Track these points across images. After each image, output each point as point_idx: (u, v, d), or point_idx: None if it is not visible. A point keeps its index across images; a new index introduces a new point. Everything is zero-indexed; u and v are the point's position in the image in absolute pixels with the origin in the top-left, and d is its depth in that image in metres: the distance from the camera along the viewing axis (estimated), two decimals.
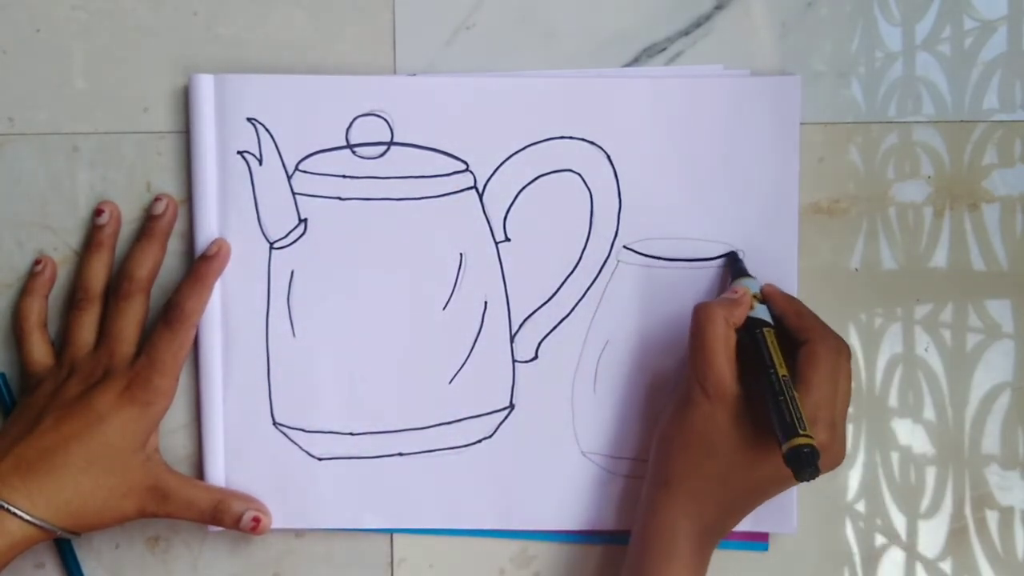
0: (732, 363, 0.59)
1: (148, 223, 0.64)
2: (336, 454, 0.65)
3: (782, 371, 0.57)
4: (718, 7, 0.65)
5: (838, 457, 0.58)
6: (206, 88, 0.63)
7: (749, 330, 0.59)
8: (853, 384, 0.65)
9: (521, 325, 0.65)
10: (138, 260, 0.63)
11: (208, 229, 0.64)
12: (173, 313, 0.62)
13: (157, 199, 0.64)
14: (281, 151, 0.64)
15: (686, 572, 0.58)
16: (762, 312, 0.61)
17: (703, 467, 0.58)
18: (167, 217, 0.64)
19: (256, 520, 0.63)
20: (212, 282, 0.63)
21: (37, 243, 0.65)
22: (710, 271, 0.64)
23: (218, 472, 0.65)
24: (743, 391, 0.58)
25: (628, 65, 0.65)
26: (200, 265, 0.63)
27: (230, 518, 0.63)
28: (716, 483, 0.58)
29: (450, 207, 0.64)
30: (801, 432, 0.53)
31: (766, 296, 0.62)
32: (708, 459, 0.58)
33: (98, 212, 0.64)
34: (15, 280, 0.65)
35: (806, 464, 0.52)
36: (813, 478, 0.53)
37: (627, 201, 0.64)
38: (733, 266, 0.63)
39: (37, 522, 0.58)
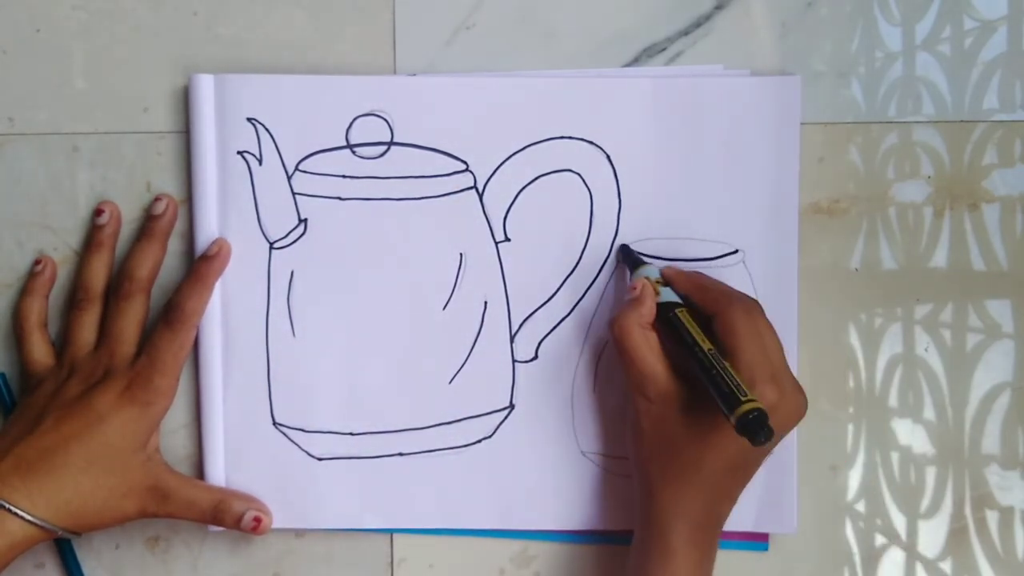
0: (661, 361, 0.59)
1: (148, 223, 0.64)
2: (336, 454, 0.65)
3: (707, 346, 0.57)
4: (718, 7, 0.65)
5: (797, 408, 0.58)
6: (206, 88, 0.63)
7: (663, 317, 0.60)
8: (852, 384, 0.65)
9: (521, 325, 0.65)
10: (138, 260, 0.63)
11: (208, 229, 0.64)
12: (173, 313, 0.62)
13: (157, 199, 0.64)
14: (281, 151, 0.64)
15: (685, 569, 0.58)
16: (669, 295, 0.61)
17: (673, 467, 0.58)
18: (167, 217, 0.64)
19: (257, 520, 0.63)
20: (212, 282, 0.63)
21: (37, 243, 0.65)
22: (710, 271, 0.64)
23: (218, 472, 0.65)
24: (681, 382, 0.59)
25: (628, 65, 0.65)
26: (200, 265, 0.63)
27: (231, 518, 0.63)
28: (691, 477, 0.58)
29: (450, 207, 0.64)
30: (743, 399, 0.53)
31: (668, 279, 0.62)
32: (674, 458, 0.58)
33: (98, 212, 0.64)
34: (15, 280, 0.65)
35: (756, 429, 0.52)
36: (769, 439, 0.52)
37: (627, 201, 0.64)
38: (628, 259, 0.63)
39: (37, 522, 0.58)
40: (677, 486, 0.58)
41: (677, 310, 0.59)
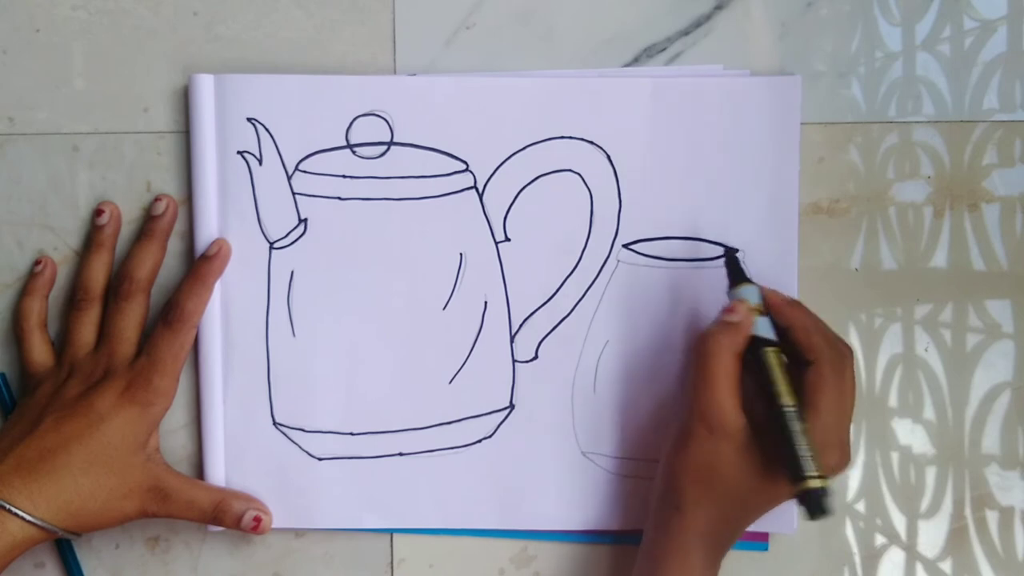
0: (735, 394, 0.57)
1: (148, 223, 0.64)
2: (336, 454, 0.65)
3: (789, 400, 0.56)
4: (718, 7, 0.65)
5: (844, 464, 0.58)
6: (206, 88, 0.63)
7: (753, 351, 0.58)
8: None
9: (521, 325, 0.65)
10: (138, 260, 0.63)
11: (208, 229, 0.64)
12: (173, 313, 0.62)
13: (157, 199, 0.64)
14: (281, 151, 0.64)
15: None
16: (764, 327, 0.58)
17: (713, 495, 0.58)
18: (167, 217, 0.64)
19: (257, 520, 0.63)
20: (212, 282, 0.63)
21: (37, 243, 0.65)
22: (710, 271, 0.64)
23: (218, 472, 0.65)
24: (747, 420, 0.57)
25: (628, 65, 0.65)
26: (200, 265, 0.63)
27: (231, 518, 0.63)
28: (728, 507, 0.58)
29: (450, 207, 0.64)
30: (813, 475, 0.53)
31: (768, 306, 0.59)
32: (717, 488, 0.58)
33: (98, 212, 0.64)
34: (15, 280, 0.65)
35: (817, 506, 0.52)
36: (826, 517, 0.52)
37: (627, 201, 0.64)
38: (732, 268, 0.61)
39: (38, 522, 0.58)
40: (712, 514, 0.58)
41: (769, 349, 0.58)
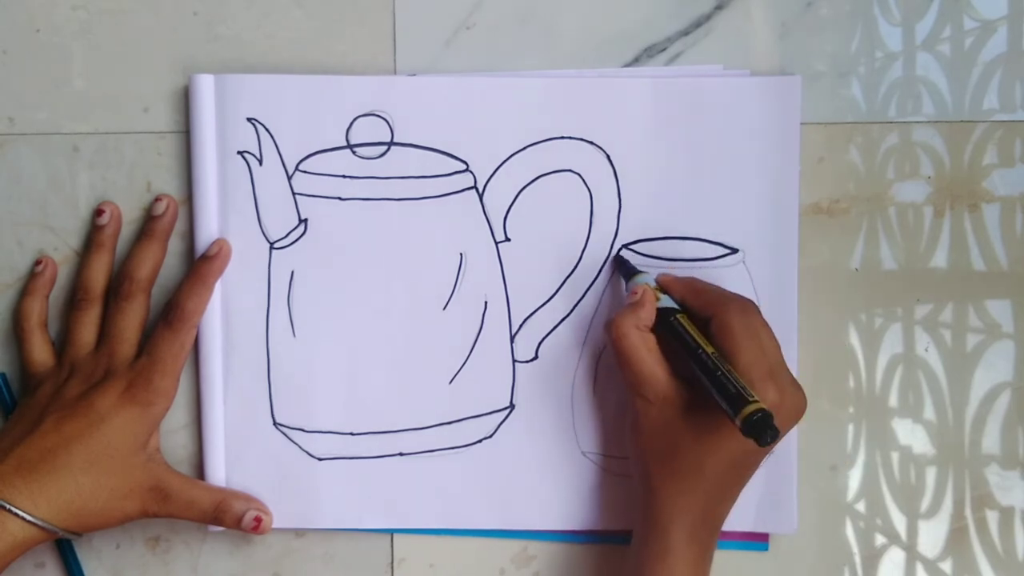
0: (661, 361, 0.59)
1: (148, 223, 0.64)
2: (336, 454, 0.65)
3: (709, 349, 0.57)
4: (718, 7, 0.65)
5: (797, 406, 0.58)
6: (206, 88, 0.63)
7: (663, 322, 0.60)
8: (853, 384, 0.65)
9: (521, 325, 0.65)
10: (138, 260, 0.63)
11: (208, 229, 0.64)
12: (174, 313, 0.62)
13: (157, 199, 0.64)
14: (281, 151, 0.64)
15: (683, 565, 0.58)
16: (667, 301, 0.61)
17: (674, 467, 0.58)
18: (167, 217, 0.64)
19: (257, 520, 0.63)
20: (213, 282, 0.63)
21: (37, 243, 0.65)
22: (709, 271, 0.64)
23: (219, 472, 0.65)
24: (680, 383, 0.59)
25: (628, 65, 0.65)
26: (201, 265, 0.63)
27: (231, 518, 0.63)
28: (692, 476, 0.58)
29: (450, 207, 0.64)
30: (749, 400, 0.53)
31: (663, 286, 0.62)
32: (675, 458, 0.58)
33: (98, 212, 0.64)
34: (15, 280, 0.65)
35: (762, 430, 0.52)
36: (775, 439, 0.52)
37: (627, 201, 0.64)
38: (622, 268, 0.64)
39: (39, 523, 0.58)
40: (677, 485, 0.58)
41: (677, 315, 0.60)
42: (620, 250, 0.64)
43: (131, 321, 0.63)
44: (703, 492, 0.58)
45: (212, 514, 0.62)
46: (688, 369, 0.58)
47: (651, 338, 0.60)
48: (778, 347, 0.59)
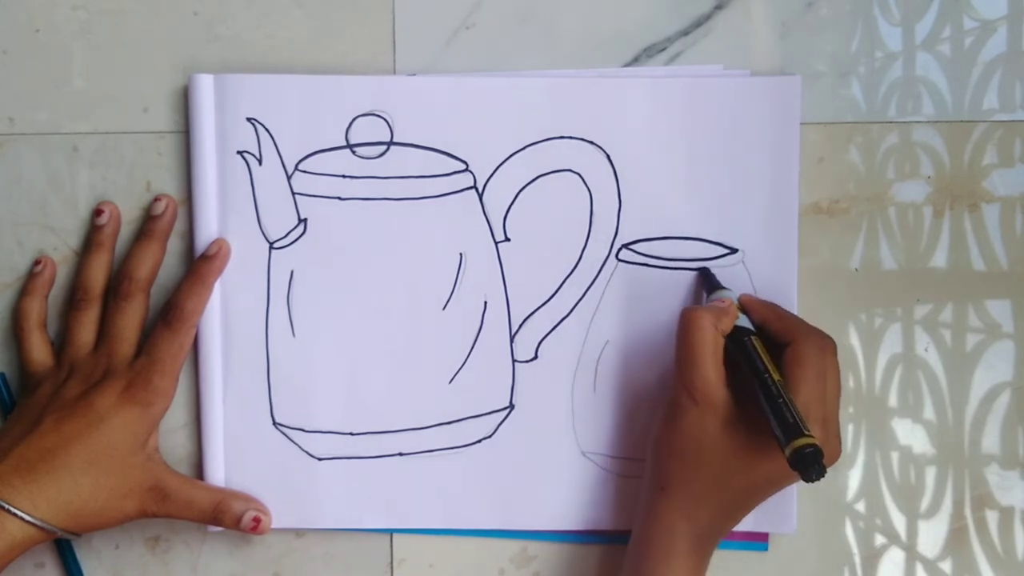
0: (720, 369, 0.59)
1: (148, 223, 0.64)
2: (336, 454, 0.65)
3: (776, 376, 0.57)
4: (718, 7, 0.65)
5: (834, 454, 0.58)
6: (206, 88, 0.63)
7: (735, 339, 0.60)
8: (852, 384, 0.65)
9: (521, 325, 0.65)
10: (138, 260, 0.63)
11: (208, 229, 0.64)
12: (173, 313, 0.62)
13: (157, 199, 0.64)
14: (281, 151, 0.64)
15: (684, 572, 0.58)
16: (744, 322, 0.61)
17: (698, 471, 0.58)
18: (167, 217, 0.64)
19: (256, 520, 0.63)
20: (212, 282, 0.63)
21: (37, 243, 0.65)
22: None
23: (218, 472, 0.65)
24: (731, 396, 0.58)
25: (628, 65, 0.65)
26: (200, 265, 0.63)
27: (230, 518, 0.63)
28: (712, 486, 0.58)
29: (450, 207, 0.64)
30: (804, 433, 0.53)
31: (744, 306, 0.62)
32: (702, 464, 0.58)
33: (98, 212, 0.64)
34: (15, 280, 0.65)
35: (811, 464, 0.52)
36: (820, 478, 0.52)
37: (627, 201, 0.64)
38: (708, 282, 0.63)
39: (38, 523, 0.58)
40: (695, 492, 0.58)
41: (751, 336, 0.59)
42: (705, 264, 0.64)
43: (130, 321, 0.63)
44: (719, 505, 0.58)
45: (211, 514, 0.62)
46: (744, 389, 0.58)
47: (721, 342, 0.59)
48: (839, 394, 0.59)
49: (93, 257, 0.64)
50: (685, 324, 0.59)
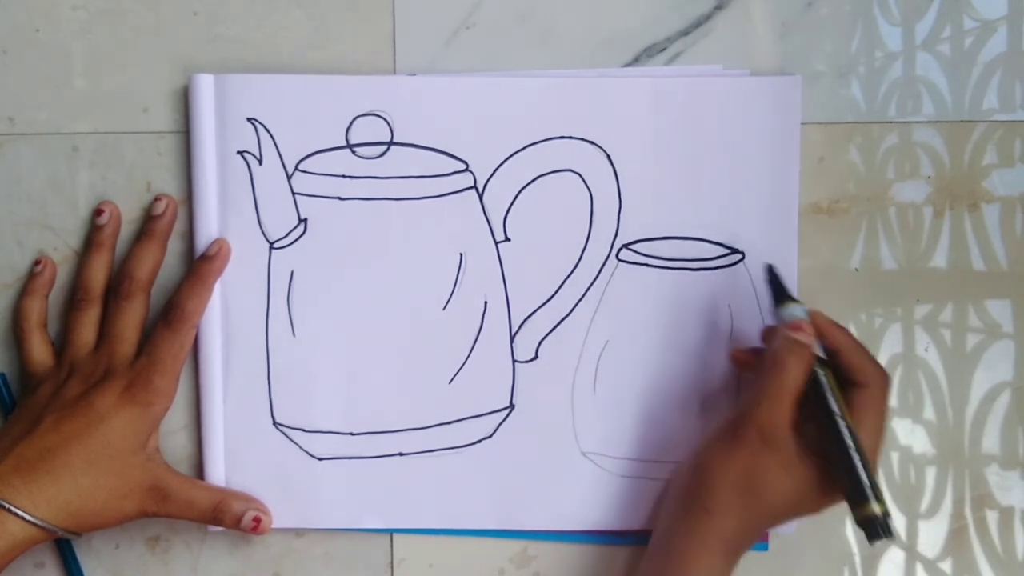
0: (793, 411, 0.58)
1: (148, 223, 0.64)
2: (336, 454, 0.65)
3: (848, 419, 0.56)
4: (718, 7, 0.65)
5: None
6: (206, 88, 0.63)
7: (808, 381, 0.58)
8: None
9: (521, 325, 0.65)
10: (138, 260, 0.63)
11: (208, 229, 0.64)
12: (174, 313, 0.62)
13: (157, 199, 0.64)
14: (281, 151, 0.64)
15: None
16: (815, 346, 0.59)
17: (748, 504, 0.58)
18: (167, 217, 0.64)
19: (257, 520, 0.63)
20: (212, 282, 0.63)
21: (37, 243, 0.65)
22: (709, 272, 0.64)
23: (218, 472, 0.65)
24: (797, 436, 0.57)
25: (628, 65, 0.65)
26: (200, 265, 0.63)
27: (230, 518, 0.63)
28: (757, 519, 0.58)
29: (450, 207, 0.64)
30: (879, 499, 0.53)
31: (818, 329, 0.59)
32: (754, 497, 0.57)
33: (98, 212, 0.64)
34: (15, 280, 0.65)
35: (879, 532, 0.52)
36: (888, 541, 0.52)
37: (627, 201, 0.64)
38: (775, 285, 0.61)
39: (38, 522, 0.58)
40: (743, 521, 0.58)
41: (824, 370, 0.58)
42: (771, 266, 0.62)
43: (131, 321, 0.63)
44: (758, 532, 0.59)
45: (211, 514, 0.62)
46: (810, 426, 0.57)
47: (803, 385, 0.58)
48: (883, 437, 0.58)
49: (93, 257, 0.64)
50: (778, 362, 0.58)
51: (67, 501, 0.59)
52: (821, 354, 0.59)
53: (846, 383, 0.59)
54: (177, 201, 0.65)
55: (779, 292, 0.61)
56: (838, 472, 0.56)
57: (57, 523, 0.58)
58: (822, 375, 0.58)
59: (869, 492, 0.54)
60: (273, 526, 0.64)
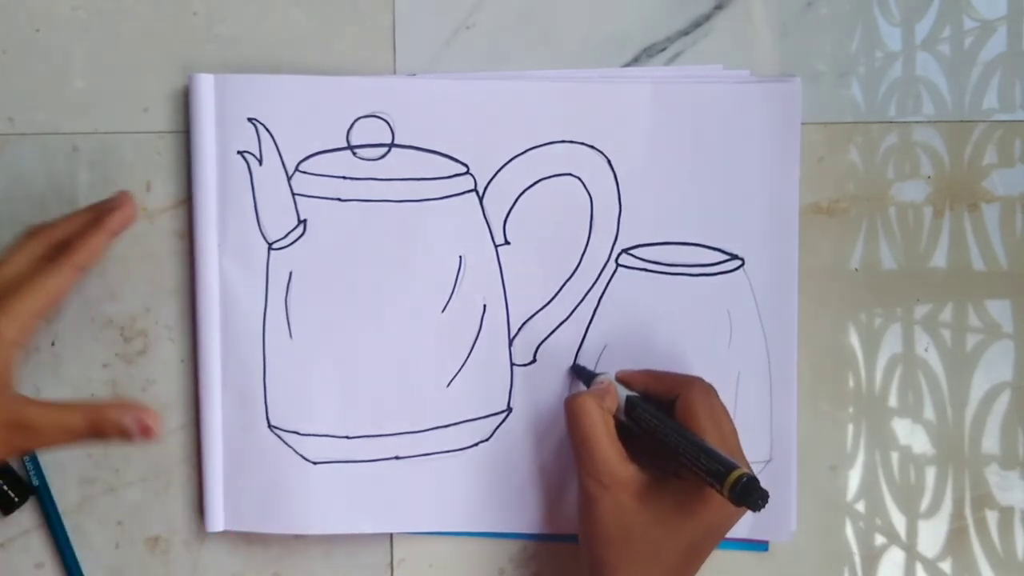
0: (619, 446, 0.59)
1: (105, 215, 0.58)
2: (331, 458, 0.65)
3: (676, 422, 0.57)
4: (718, 7, 0.65)
5: None
6: (206, 88, 0.63)
7: (628, 412, 0.60)
8: (852, 384, 0.65)
9: (520, 328, 0.65)
10: (82, 243, 0.57)
11: (208, 229, 0.64)
12: (63, 253, 0.56)
13: (122, 193, 0.60)
14: (281, 151, 0.64)
15: None
16: (629, 392, 0.61)
17: (630, 552, 0.57)
18: (124, 215, 0.58)
19: (143, 426, 0.55)
20: (113, 232, 0.58)
21: None
22: (709, 277, 0.64)
23: (217, 472, 0.65)
24: (636, 468, 0.58)
25: (628, 65, 0.65)
26: (106, 216, 0.58)
27: (113, 428, 0.55)
28: (648, 562, 0.57)
29: (450, 209, 0.64)
30: (733, 466, 0.53)
31: (623, 380, 0.62)
32: (629, 544, 0.57)
33: (123, 202, 0.59)
34: None
35: (753, 492, 0.52)
36: (766, 502, 0.52)
37: (627, 205, 0.64)
38: (582, 375, 0.64)
39: None
40: (634, 571, 0.57)
41: (641, 404, 0.60)
42: (574, 363, 0.65)
43: (23, 258, 0.57)
44: (664, 573, 0.57)
45: (89, 431, 0.55)
46: (650, 456, 0.58)
47: (611, 421, 0.59)
48: (736, 432, 0.59)
49: (82, 218, 0.58)
50: (572, 413, 0.59)
51: None
52: (629, 392, 0.61)
53: (667, 405, 0.59)
54: (136, 208, 0.60)
55: (587, 377, 0.63)
56: (693, 468, 0.55)
57: None
58: (643, 405, 0.59)
59: (727, 459, 0.53)
60: (270, 532, 0.64)
